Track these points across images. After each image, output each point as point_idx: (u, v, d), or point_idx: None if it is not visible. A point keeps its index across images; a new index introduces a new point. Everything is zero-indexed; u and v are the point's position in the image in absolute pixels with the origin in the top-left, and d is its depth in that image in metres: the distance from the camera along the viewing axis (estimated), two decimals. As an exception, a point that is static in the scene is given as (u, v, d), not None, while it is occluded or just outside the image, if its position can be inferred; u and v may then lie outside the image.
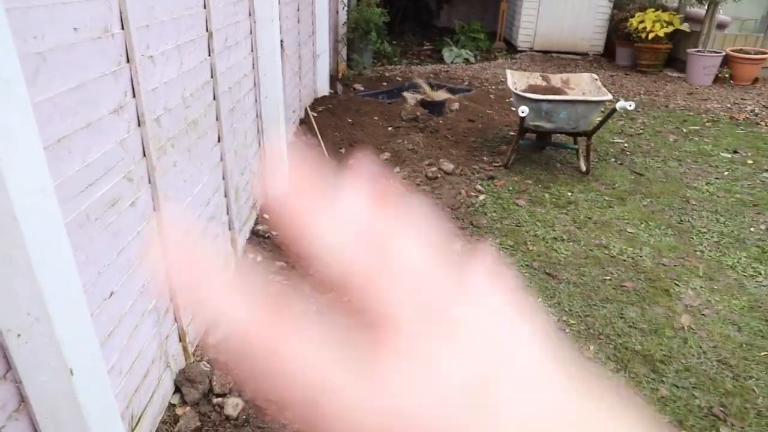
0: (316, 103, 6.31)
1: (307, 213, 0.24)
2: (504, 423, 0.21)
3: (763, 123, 6.21)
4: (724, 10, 8.06)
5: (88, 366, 1.41)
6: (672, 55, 8.56)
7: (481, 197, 4.35)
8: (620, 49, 9.01)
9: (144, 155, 2.00)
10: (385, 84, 7.67)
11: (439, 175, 4.65)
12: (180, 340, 2.37)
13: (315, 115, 5.59)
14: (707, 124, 6.22)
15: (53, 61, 1.44)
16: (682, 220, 4.04)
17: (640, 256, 3.55)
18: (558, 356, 0.23)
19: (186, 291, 0.23)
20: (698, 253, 3.61)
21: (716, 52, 7.81)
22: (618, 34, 8.91)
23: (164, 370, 2.21)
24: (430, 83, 7.04)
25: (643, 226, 3.95)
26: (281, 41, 3.97)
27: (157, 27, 2.10)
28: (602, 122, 4.57)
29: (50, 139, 1.43)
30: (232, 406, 2.24)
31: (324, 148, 4.90)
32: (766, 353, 2.71)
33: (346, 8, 7.64)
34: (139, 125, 1.95)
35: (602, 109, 4.74)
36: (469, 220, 3.99)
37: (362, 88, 7.36)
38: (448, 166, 4.79)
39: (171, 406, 2.25)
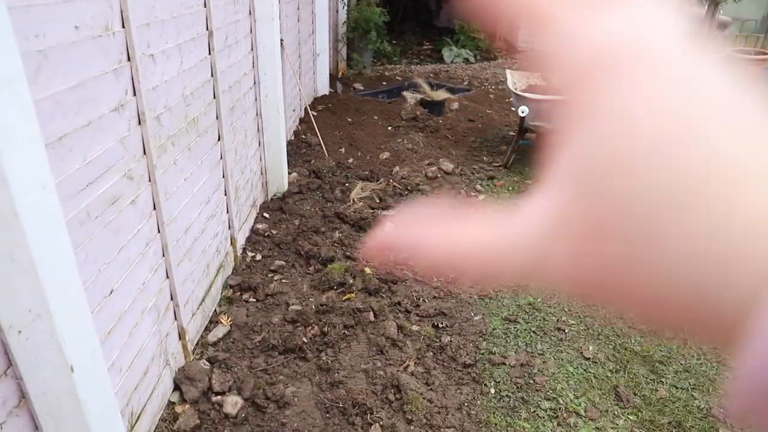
0: (316, 102, 6.32)
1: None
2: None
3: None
4: (725, 11, 8.06)
5: (88, 363, 1.42)
6: (672, 55, 8.56)
7: (481, 197, 4.35)
8: (620, 49, 9.01)
9: (144, 153, 2.00)
10: (384, 83, 7.67)
11: (439, 175, 4.65)
12: (180, 338, 2.37)
13: (315, 114, 5.59)
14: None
15: (54, 59, 1.45)
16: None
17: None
18: None
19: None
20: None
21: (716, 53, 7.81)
22: (618, 34, 8.91)
23: (164, 367, 2.21)
24: (430, 83, 7.03)
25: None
26: (281, 40, 3.97)
27: (157, 25, 2.10)
28: (602, 122, 4.56)
29: (51, 137, 1.44)
30: (232, 404, 2.24)
31: (324, 148, 4.90)
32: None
33: (345, 7, 7.64)
34: (139, 123, 1.96)
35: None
36: (469, 220, 3.99)
37: (362, 88, 7.35)
38: (448, 165, 4.79)
39: (170, 403, 2.25)
